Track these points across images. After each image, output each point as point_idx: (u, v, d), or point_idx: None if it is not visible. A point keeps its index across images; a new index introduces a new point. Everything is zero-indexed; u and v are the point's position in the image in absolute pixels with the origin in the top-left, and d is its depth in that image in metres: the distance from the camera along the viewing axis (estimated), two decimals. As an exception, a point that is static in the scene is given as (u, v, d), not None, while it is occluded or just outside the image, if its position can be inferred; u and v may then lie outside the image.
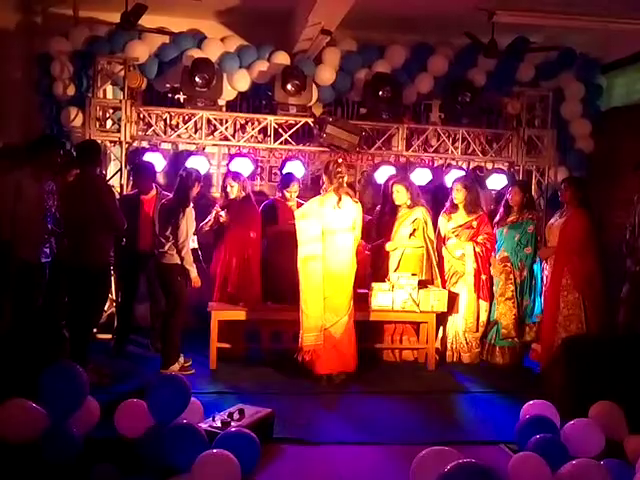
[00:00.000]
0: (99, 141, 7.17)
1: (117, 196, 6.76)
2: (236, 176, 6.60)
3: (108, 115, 7.36)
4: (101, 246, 5.72)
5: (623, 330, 5.90)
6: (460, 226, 6.71)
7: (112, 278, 6.82)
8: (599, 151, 8.01)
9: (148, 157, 7.08)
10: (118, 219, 5.75)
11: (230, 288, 6.39)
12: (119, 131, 7.20)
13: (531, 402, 4.47)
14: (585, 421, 4.20)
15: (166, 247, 5.89)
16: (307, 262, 5.83)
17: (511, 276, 6.52)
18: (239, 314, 6.21)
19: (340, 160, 6.37)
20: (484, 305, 6.63)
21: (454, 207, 6.75)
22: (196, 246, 6.25)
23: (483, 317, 6.63)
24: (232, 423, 4.06)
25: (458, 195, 6.69)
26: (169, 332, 5.98)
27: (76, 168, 5.93)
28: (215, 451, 3.53)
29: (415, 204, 6.61)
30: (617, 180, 7.48)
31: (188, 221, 5.88)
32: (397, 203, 6.62)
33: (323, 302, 5.81)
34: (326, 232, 5.86)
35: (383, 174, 7.45)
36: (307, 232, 5.85)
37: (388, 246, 6.60)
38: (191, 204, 5.96)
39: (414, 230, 6.58)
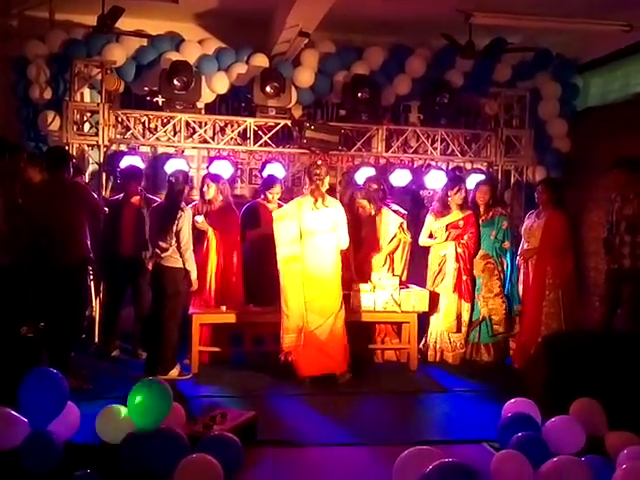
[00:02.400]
0: (77, 145, 7.14)
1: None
2: (214, 177, 6.59)
3: (86, 118, 7.30)
4: (80, 243, 5.68)
5: (602, 327, 5.97)
6: (447, 225, 6.75)
7: (91, 281, 6.77)
8: (576, 150, 8.10)
9: (129, 160, 7.02)
10: (98, 205, 6.03)
11: (212, 294, 6.36)
12: (97, 135, 7.14)
13: (512, 400, 4.49)
14: (566, 418, 4.23)
15: (170, 251, 5.84)
16: (287, 263, 5.87)
17: (495, 272, 6.58)
18: (220, 318, 6.20)
19: (319, 162, 6.37)
20: (466, 305, 6.67)
21: (446, 208, 6.78)
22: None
23: (465, 317, 6.67)
24: (214, 427, 4.04)
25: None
26: (168, 337, 5.89)
27: (43, 172, 5.92)
28: (197, 455, 3.51)
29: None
30: (594, 179, 7.56)
31: (188, 223, 5.88)
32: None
33: (304, 303, 5.82)
34: (304, 233, 5.87)
35: (363, 175, 7.47)
36: (285, 234, 5.90)
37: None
38: (187, 206, 5.96)
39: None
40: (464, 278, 6.64)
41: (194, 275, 5.95)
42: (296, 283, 5.85)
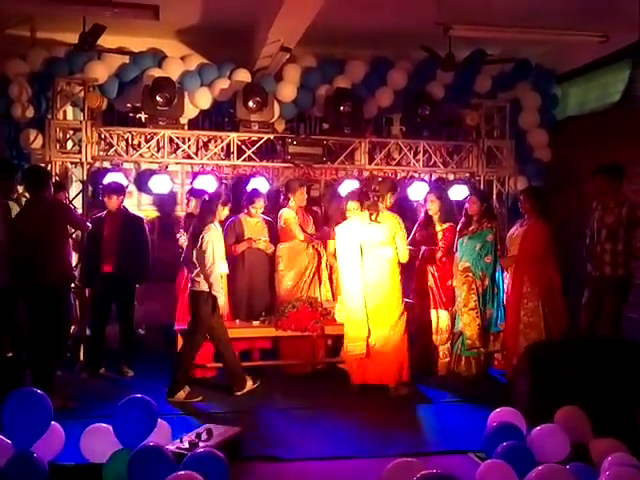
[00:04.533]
0: (60, 162, 7.13)
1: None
2: (196, 193, 6.60)
3: (68, 136, 7.30)
4: (63, 262, 5.67)
5: (585, 335, 6.00)
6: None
7: (75, 299, 6.75)
8: (557, 160, 8.19)
9: (112, 177, 7.02)
10: (80, 220, 6.14)
11: None
12: (80, 152, 7.12)
13: (498, 410, 4.51)
14: (551, 426, 4.25)
15: (194, 273, 5.77)
16: (347, 274, 6.08)
17: (473, 286, 6.56)
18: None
19: (380, 178, 6.83)
20: (443, 314, 6.70)
21: (430, 219, 6.84)
22: (227, 271, 6.11)
23: (442, 325, 6.68)
24: (200, 443, 4.03)
25: (432, 206, 6.79)
26: (182, 360, 5.85)
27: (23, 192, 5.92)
28: (183, 473, 3.49)
29: None
30: (574, 187, 7.64)
31: (214, 245, 5.71)
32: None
33: (366, 313, 5.99)
34: (363, 247, 6.07)
35: (347, 188, 7.50)
36: (346, 247, 6.13)
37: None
38: (213, 226, 5.79)
39: None
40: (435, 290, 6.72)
41: (221, 300, 5.79)
42: (357, 294, 6.00)
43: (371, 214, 6.11)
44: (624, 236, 5.85)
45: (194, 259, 5.74)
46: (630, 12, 6.20)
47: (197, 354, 5.92)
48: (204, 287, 5.72)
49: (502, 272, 6.62)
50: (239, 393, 5.86)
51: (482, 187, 7.93)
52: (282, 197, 7.02)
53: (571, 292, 6.41)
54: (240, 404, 5.71)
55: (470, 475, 3.69)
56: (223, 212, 6.00)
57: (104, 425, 4.05)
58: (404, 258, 6.14)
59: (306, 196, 6.98)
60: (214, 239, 5.73)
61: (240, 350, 6.44)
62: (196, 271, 5.74)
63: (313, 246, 6.80)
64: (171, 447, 3.96)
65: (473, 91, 8.14)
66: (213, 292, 5.70)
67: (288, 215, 6.77)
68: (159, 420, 4.08)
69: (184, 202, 7.72)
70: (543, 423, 4.26)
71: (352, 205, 6.55)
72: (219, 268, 5.79)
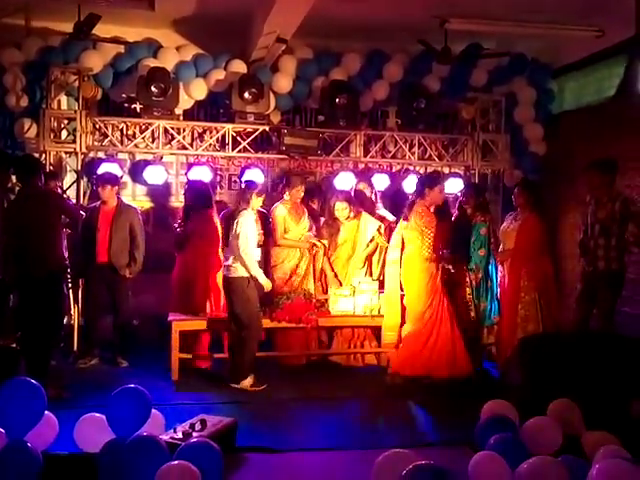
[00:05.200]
0: (54, 152, 7.11)
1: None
2: (192, 184, 6.61)
3: (63, 126, 7.27)
4: (56, 251, 5.67)
5: (578, 328, 6.03)
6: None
7: (69, 289, 6.74)
8: (552, 154, 8.19)
9: (106, 167, 7.00)
10: (73, 209, 6.16)
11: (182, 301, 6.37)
12: (74, 142, 7.11)
13: (490, 402, 4.53)
14: (543, 419, 4.27)
15: (230, 260, 5.81)
16: (389, 266, 6.32)
17: (467, 280, 6.59)
18: (200, 324, 6.19)
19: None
20: None
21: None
22: (259, 258, 6.17)
23: None
24: (194, 434, 4.04)
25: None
26: (244, 346, 5.88)
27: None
28: (176, 463, 3.49)
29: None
30: (569, 182, 7.65)
31: (248, 230, 5.79)
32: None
33: (400, 305, 6.26)
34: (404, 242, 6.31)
35: (342, 180, 7.51)
36: (392, 240, 6.39)
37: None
38: (246, 212, 5.87)
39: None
40: None
41: (263, 279, 5.90)
42: (395, 285, 6.26)
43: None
44: (617, 231, 5.87)
45: (228, 244, 5.82)
46: (626, 7, 6.20)
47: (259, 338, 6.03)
48: (242, 272, 5.78)
49: (495, 265, 6.63)
50: (236, 386, 5.86)
51: (477, 181, 7.94)
52: (280, 188, 6.98)
53: (565, 286, 6.44)
54: (235, 395, 5.72)
55: (463, 467, 3.70)
56: (257, 201, 6.00)
57: (98, 415, 4.05)
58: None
59: (302, 194, 6.91)
60: (248, 224, 5.82)
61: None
62: (232, 257, 5.79)
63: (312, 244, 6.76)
64: (165, 437, 3.96)
65: (469, 84, 8.13)
66: (252, 274, 5.80)
67: (277, 213, 6.69)
68: (153, 410, 4.08)
69: (179, 193, 7.73)
70: (536, 415, 4.28)
71: (340, 205, 6.58)
72: (254, 252, 5.88)
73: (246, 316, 5.86)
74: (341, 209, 6.64)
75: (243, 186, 6.22)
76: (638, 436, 4.13)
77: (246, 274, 5.79)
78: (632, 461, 3.56)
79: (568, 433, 4.20)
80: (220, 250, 6.39)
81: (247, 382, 5.89)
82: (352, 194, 6.95)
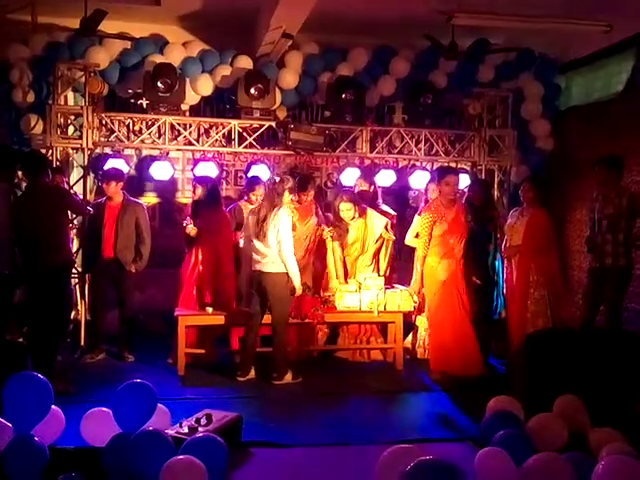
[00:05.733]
0: (61, 148, 7.13)
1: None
2: (201, 180, 6.60)
3: (69, 122, 7.27)
4: (62, 247, 5.70)
5: (584, 325, 6.02)
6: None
7: (76, 284, 6.76)
8: (559, 150, 8.17)
9: (112, 163, 7.01)
10: (80, 205, 6.22)
11: (206, 298, 6.37)
12: (81, 138, 7.12)
13: (496, 398, 4.52)
14: (549, 415, 4.27)
15: (268, 255, 5.79)
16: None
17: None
18: (207, 319, 6.20)
19: None
20: None
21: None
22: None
23: None
24: (199, 429, 4.04)
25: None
26: (282, 342, 5.94)
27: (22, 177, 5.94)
28: (182, 457, 3.51)
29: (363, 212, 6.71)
30: (577, 178, 7.63)
31: (288, 226, 5.80)
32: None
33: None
34: None
35: (348, 176, 7.51)
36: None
37: None
38: (283, 209, 5.85)
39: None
40: None
41: (297, 281, 5.86)
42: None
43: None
44: (625, 226, 5.85)
45: (263, 239, 5.77)
46: (634, 2, 6.17)
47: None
48: (282, 268, 5.78)
49: (502, 261, 6.62)
50: (278, 382, 5.89)
51: (483, 176, 7.92)
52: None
53: (571, 282, 6.42)
54: (240, 390, 5.73)
55: (468, 462, 3.69)
56: (288, 198, 5.98)
57: (104, 409, 4.07)
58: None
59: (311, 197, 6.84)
60: (287, 221, 5.82)
61: (241, 337, 6.46)
62: (269, 252, 5.78)
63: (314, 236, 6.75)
64: (170, 432, 3.97)
65: (476, 80, 8.10)
66: (292, 273, 5.79)
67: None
68: (159, 405, 4.09)
69: (185, 189, 7.75)
70: (541, 412, 4.28)
71: (344, 206, 6.56)
72: (292, 250, 5.87)
73: (285, 311, 5.91)
74: (346, 210, 6.62)
75: (276, 181, 6.17)
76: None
77: (285, 270, 5.80)
78: (637, 457, 3.56)
79: (573, 429, 4.20)
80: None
81: (289, 376, 5.93)
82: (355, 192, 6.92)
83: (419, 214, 6.68)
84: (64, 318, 5.93)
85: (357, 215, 6.63)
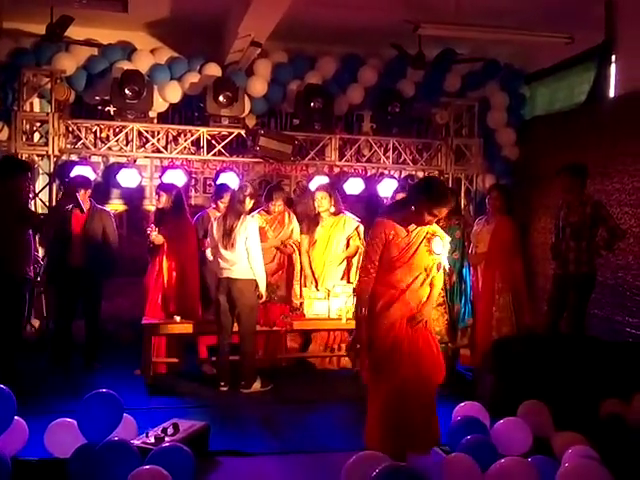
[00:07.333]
0: (26, 155, 7.03)
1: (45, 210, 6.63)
2: (166, 187, 6.56)
3: (35, 128, 7.21)
4: (22, 255, 5.67)
5: (549, 331, 6.11)
6: None
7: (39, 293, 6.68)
8: (524, 158, 8.31)
9: (79, 170, 6.93)
10: (32, 214, 6.07)
11: (171, 306, 6.32)
12: (47, 144, 7.05)
13: (462, 404, 4.58)
14: (513, 420, 4.33)
15: (236, 262, 5.78)
16: None
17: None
18: (174, 328, 6.15)
19: None
20: None
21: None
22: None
23: None
24: (166, 438, 4.01)
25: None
26: (251, 350, 5.92)
27: None
28: (148, 467, 3.47)
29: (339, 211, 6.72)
30: (541, 186, 7.76)
31: (256, 233, 5.83)
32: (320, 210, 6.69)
33: None
34: None
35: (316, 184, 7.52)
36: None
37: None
38: (251, 217, 5.95)
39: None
40: None
41: (263, 286, 5.87)
42: None
43: None
44: (588, 234, 5.95)
45: (231, 248, 5.76)
46: (595, 14, 6.32)
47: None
48: (251, 274, 5.80)
49: (469, 268, 6.68)
50: (246, 391, 5.86)
51: (450, 184, 8.00)
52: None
53: (535, 289, 6.51)
54: (207, 399, 5.70)
55: (434, 468, 3.73)
56: (249, 205, 5.99)
57: (68, 420, 4.02)
58: None
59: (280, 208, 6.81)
60: (255, 228, 5.87)
61: (208, 345, 6.43)
62: (238, 258, 5.77)
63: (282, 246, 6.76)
64: (136, 442, 3.94)
65: (443, 90, 8.21)
66: (259, 279, 5.81)
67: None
68: (125, 415, 4.06)
69: (153, 196, 7.68)
70: (506, 417, 4.33)
71: (319, 194, 6.57)
72: (261, 256, 5.90)
73: (253, 318, 5.91)
74: (320, 197, 6.61)
75: (236, 188, 6.22)
76: (607, 436, 4.20)
77: (253, 277, 5.81)
78: (600, 461, 3.63)
79: (538, 434, 4.26)
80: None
81: (258, 384, 5.92)
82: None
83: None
84: (17, 328, 5.87)
85: (332, 209, 6.64)
